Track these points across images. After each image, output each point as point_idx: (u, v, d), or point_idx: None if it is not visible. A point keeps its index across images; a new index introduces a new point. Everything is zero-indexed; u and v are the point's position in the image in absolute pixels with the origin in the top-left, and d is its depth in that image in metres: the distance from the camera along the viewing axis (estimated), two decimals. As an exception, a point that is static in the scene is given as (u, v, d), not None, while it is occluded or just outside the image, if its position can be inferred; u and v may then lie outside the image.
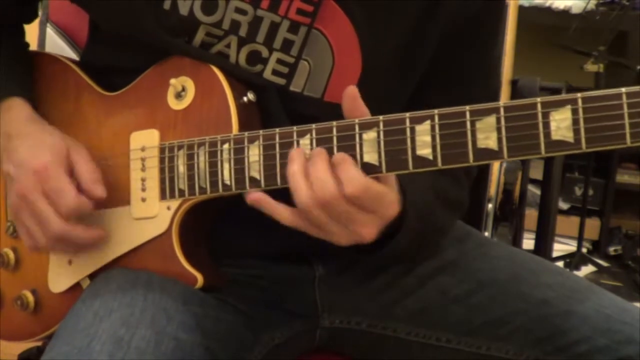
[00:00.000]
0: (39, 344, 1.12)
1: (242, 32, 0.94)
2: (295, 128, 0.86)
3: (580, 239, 3.14)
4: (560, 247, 3.21)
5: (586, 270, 3.15)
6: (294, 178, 0.83)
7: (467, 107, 0.78)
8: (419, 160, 0.81)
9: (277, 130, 0.87)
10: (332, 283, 1.07)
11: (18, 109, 0.99)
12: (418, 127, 0.80)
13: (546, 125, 0.75)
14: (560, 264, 3.03)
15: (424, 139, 0.80)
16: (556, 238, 2.95)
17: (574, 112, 0.74)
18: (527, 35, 2.79)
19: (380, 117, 0.82)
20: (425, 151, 0.80)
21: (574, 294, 1.00)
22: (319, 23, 0.94)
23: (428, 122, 0.80)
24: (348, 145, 0.83)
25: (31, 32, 1.42)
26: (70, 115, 1.02)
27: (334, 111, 0.92)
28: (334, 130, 0.84)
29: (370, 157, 0.82)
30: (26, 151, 0.95)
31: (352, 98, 0.83)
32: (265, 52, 0.95)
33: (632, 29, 3.10)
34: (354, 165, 0.81)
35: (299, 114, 0.93)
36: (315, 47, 0.95)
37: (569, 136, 0.75)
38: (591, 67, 2.92)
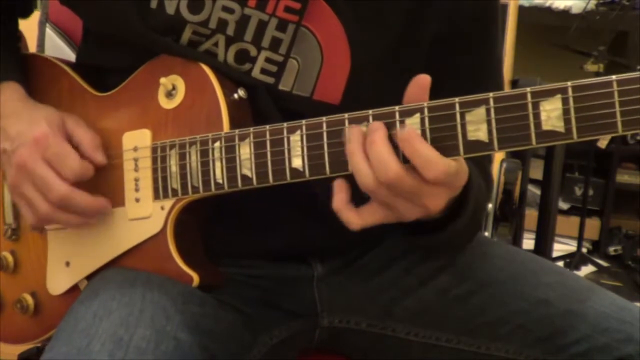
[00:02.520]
0: (39, 344, 1.12)
1: (230, 30, 0.94)
2: (285, 124, 0.86)
3: (580, 239, 3.14)
4: (560, 247, 3.21)
5: (586, 270, 3.15)
6: (353, 159, 0.80)
7: (457, 99, 0.78)
8: None
9: (268, 127, 0.87)
10: (331, 282, 1.07)
11: (9, 90, 0.99)
12: (408, 120, 0.80)
13: (536, 115, 0.75)
14: (560, 264, 3.03)
15: None
16: (556, 238, 2.94)
17: (564, 101, 0.74)
18: (527, 35, 2.79)
19: (370, 111, 0.82)
20: None
21: (574, 294, 1.00)
22: (307, 21, 0.94)
23: (417, 115, 0.79)
24: (339, 141, 0.83)
25: (31, 32, 1.42)
26: None
27: (323, 110, 0.92)
28: (324, 125, 0.84)
29: None
30: (22, 125, 0.94)
31: (421, 87, 0.81)
32: (253, 51, 0.95)
33: (632, 29, 3.10)
34: (419, 139, 0.78)
35: (289, 113, 0.92)
36: (303, 45, 0.95)
37: (559, 126, 0.74)
38: (591, 67, 2.92)
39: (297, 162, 0.85)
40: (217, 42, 0.95)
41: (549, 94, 0.74)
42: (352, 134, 0.81)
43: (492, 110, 0.77)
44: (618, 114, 0.71)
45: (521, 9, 2.83)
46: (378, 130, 0.79)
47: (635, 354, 0.93)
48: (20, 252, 1.05)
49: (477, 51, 1.03)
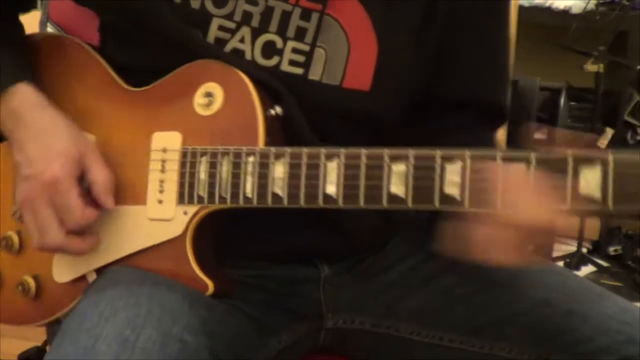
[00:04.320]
0: (39, 343, 1.12)
1: (255, 22, 0.94)
2: (323, 150, 0.86)
3: (580, 239, 3.14)
4: (560, 247, 3.21)
5: (586, 270, 3.15)
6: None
7: (499, 153, 0.79)
8: (446, 199, 0.81)
9: (305, 149, 0.87)
10: (337, 283, 1.07)
11: (19, 95, 0.97)
12: (449, 166, 0.81)
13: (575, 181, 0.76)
14: (561, 264, 3.03)
15: (452, 179, 0.81)
16: (556, 238, 2.94)
17: (604, 173, 0.75)
18: (527, 35, 2.79)
19: (411, 151, 0.83)
20: (453, 191, 0.81)
21: (575, 294, 1.00)
22: (331, 9, 0.94)
23: (459, 162, 0.81)
24: (376, 174, 0.84)
25: (31, 32, 1.42)
26: (90, 105, 1.01)
27: (354, 98, 0.93)
28: (363, 157, 0.84)
29: (397, 189, 0.83)
30: (36, 152, 0.94)
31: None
32: (279, 42, 0.95)
33: (632, 29, 3.10)
34: None
35: (319, 104, 0.93)
36: (329, 33, 0.95)
37: (597, 196, 0.75)
38: (591, 67, 2.92)
39: (331, 189, 0.86)
40: (243, 38, 0.95)
41: (590, 162, 0.76)
42: None
43: (533, 168, 0.78)
44: None
45: (521, 9, 2.83)
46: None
47: (637, 355, 0.93)
48: (27, 234, 1.05)
49: (484, 31, 1.03)
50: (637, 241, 3.34)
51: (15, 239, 1.05)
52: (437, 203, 0.81)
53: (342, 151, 0.85)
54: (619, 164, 0.74)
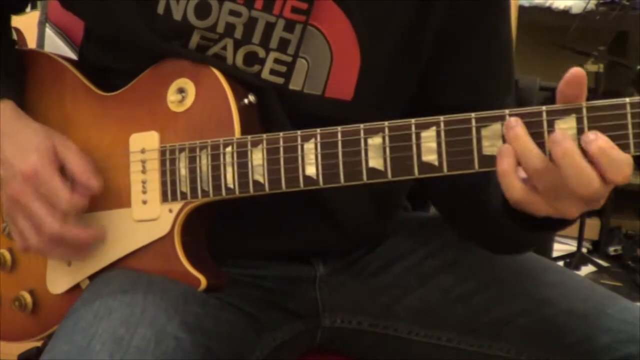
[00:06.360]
0: (39, 344, 1.12)
1: (237, 34, 0.94)
2: (299, 132, 0.86)
3: (580, 239, 3.14)
4: (560, 247, 3.21)
5: (586, 270, 3.15)
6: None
7: (473, 115, 0.78)
8: (424, 166, 0.80)
9: (281, 134, 0.87)
10: (333, 283, 1.07)
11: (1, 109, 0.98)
12: (424, 133, 0.80)
13: (551, 133, 0.75)
14: (561, 264, 3.03)
15: (429, 145, 0.80)
16: (556, 238, 2.94)
17: (579, 120, 0.74)
18: (527, 35, 2.79)
19: (386, 123, 0.82)
20: (430, 157, 0.80)
21: (576, 294, 1.00)
22: (314, 20, 0.94)
23: (434, 128, 0.80)
24: (353, 150, 0.83)
25: (30, 32, 1.42)
26: (66, 115, 1.02)
27: (335, 107, 0.92)
28: (339, 135, 0.84)
29: (375, 162, 0.83)
30: (12, 152, 0.94)
31: (578, 84, 0.75)
32: (262, 53, 0.94)
33: (632, 29, 3.10)
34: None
35: (300, 113, 0.92)
36: (312, 44, 0.94)
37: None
38: (591, 67, 2.92)
39: (310, 170, 0.86)
40: (225, 46, 0.94)
41: (565, 113, 0.75)
42: (518, 126, 0.75)
43: None
44: (631, 136, 0.72)
45: (521, 9, 2.83)
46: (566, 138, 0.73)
47: (637, 354, 0.93)
48: (18, 250, 1.05)
49: (482, 34, 1.01)
50: (637, 241, 3.35)
51: (8, 256, 1.05)
52: (416, 172, 0.81)
53: (318, 131, 0.85)
54: (592, 109, 0.73)
